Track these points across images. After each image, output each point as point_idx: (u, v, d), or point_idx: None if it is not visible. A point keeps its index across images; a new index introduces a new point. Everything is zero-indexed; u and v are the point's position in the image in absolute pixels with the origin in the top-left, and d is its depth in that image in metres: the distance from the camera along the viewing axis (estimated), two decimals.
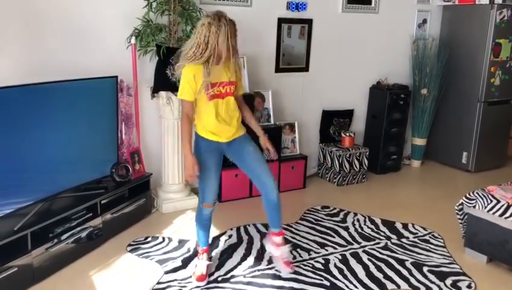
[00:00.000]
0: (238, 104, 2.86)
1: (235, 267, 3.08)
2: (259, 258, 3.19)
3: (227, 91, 2.74)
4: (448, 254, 3.36)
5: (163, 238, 3.44)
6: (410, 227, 3.78)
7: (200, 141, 2.78)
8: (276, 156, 3.00)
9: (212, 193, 2.84)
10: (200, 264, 2.94)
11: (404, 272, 3.08)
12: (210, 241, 3.13)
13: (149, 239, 3.42)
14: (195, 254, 3.14)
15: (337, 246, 3.40)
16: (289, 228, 3.68)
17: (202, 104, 2.71)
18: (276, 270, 3.04)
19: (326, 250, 3.34)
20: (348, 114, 5.08)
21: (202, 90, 2.65)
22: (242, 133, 2.86)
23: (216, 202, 2.92)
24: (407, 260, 3.24)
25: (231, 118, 2.78)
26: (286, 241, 3.10)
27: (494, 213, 3.12)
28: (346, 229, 3.71)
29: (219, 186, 2.90)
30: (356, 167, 4.80)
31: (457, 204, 3.37)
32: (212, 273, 2.98)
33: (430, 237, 3.62)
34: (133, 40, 3.65)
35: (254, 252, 3.27)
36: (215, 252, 3.25)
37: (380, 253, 3.33)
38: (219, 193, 4.16)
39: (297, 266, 3.10)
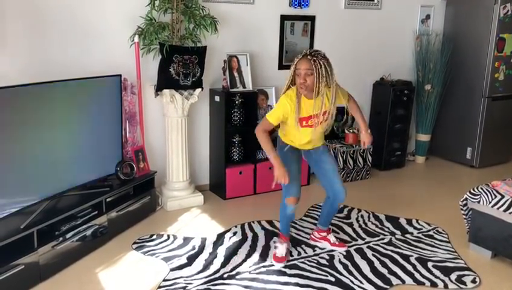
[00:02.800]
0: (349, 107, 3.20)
1: (241, 263, 3.09)
2: (264, 255, 3.20)
3: (321, 121, 2.92)
4: (452, 249, 3.36)
5: (168, 236, 3.46)
6: (414, 223, 3.79)
7: (284, 142, 3.07)
8: (366, 146, 3.25)
9: (296, 187, 2.99)
10: (280, 247, 3.12)
11: (409, 267, 3.09)
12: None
13: (154, 237, 3.44)
14: (277, 236, 3.32)
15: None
16: (294, 224, 3.69)
17: (292, 126, 2.93)
18: (281, 266, 3.05)
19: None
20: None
21: (296, 121, 2.88)
22: (322, 144, 3.13)
23: (299, 197, 3.02)
24: (412, 256, 3.24)
25: (318, 138, 3.06)
26: (330, 230, 3.37)
27: (498, 208, 3.11)
28: (351, 225, 3.72)
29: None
30: (360, 163, 4.80)
31: (461, 199, 3.37)
32: (218, 270, 3.00)
33: (434, 233, 3.62)
34: (136, 39, 3.66)
35: (259, 249, 3.28)
36: (220, 249, 3.26)
37: (385, 249, 3.34)
38: (223, 190, 4.18)
39: (302, 262, 3.12)
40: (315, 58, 2.74)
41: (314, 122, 2.90)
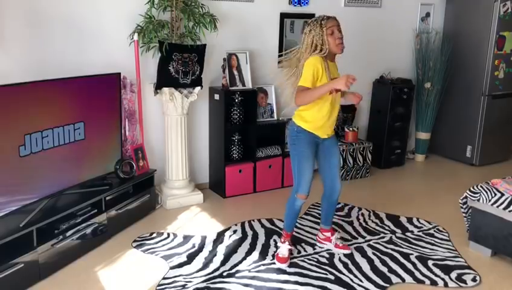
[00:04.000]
0: None
1: (240, 262, 3.08)
2: (264, 253, 3.20)
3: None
4: (453, 248, 3.35)
5: (168, 234, 3.45)
6: (414, 221, 3.78)
7: (302, 132, 2.95)
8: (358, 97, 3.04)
9: (307, 184, 2.97)
10: (282, 248, 3.10)
11: (409, 265, 3.09)
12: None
13: (154, 235, 3.43)
14: (280, 237, 3.27)
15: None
16: None
17: (327, 99, 2.87)
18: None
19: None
20: (351, 109, 5.07)
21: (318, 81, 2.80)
22: (333, 133, 3.07)
23: (309, 194, 3.02)
24: (412, 254, 3.24)
25: (334, 116, 2.96)
26: (334, 230, 3.36)
27: (498, 206, 3.11)
28: (351, 223, 3.71)
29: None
30: (360, 161, 4.80)
31: (461, 198, 3.36)
32: (218, 269, 2.99)
33: (434, 231, 3.62)
34: (135, 37, 3.65)
35: (259, 247, 3.28)
36: (220, 247, 3.26)
37: (385, 247, 3.33)
38: (223, 189, 4.18)
39: (302, 261, 3.11)
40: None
41: None
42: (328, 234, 3.28)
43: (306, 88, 2.77)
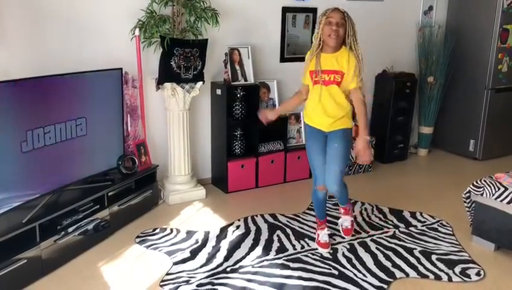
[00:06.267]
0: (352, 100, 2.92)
1: (244, 257, 3.08)
2: (267, 248, 3.19)
3: (332, 79, 2.84)
4: (456, 242, 3.34)
5: (171, 230, 3.45)
6: (418, 216, 3.77)
7: (308, 127, 3.06)
8: (368, 162, 3.14)
9: (321, 175, 3.03)
10: (321, 234, 3.24)
11: (413, 260, 3.08)
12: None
13: (157, 231, 3.43)
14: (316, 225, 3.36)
15: (345, 236, 3.40)
16: (297, 218, 3.68)
17: (310, 89, 2.96)
18: (284, 260, 3.05)
19: (334, 239, 3.34)
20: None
21: (308, 75, 2.92)
22: (341, 127, 2.93)
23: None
24: (416, 249, 3.23)
25: (331, 108, 2.90)
26: (347, 211, 3.35)
27: (501, 201, 3.09)
28: (354, 218, 3.70)
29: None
30: None
31: (464, 192, 3.35)
32: (221, 264, 2.99)
33: (438, 226, 3.61)
34: (137, 32, 3.63)
35: (262, 242, 3.27)
36: (223, 243, 3.26)
37: (388, 242, 3.32)
38: (225, 184, 4.17)
39: (305, 256, 3.11)
40: (347, 13, 2.84)
41: (325, 78, 2.85)
42: (342, 211, 3.36)
43: (303, 84, 3.06)
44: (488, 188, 3.17)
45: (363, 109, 2.88)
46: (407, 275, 2.92)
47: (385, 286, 2.79)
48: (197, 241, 3.28)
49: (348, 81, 2.84)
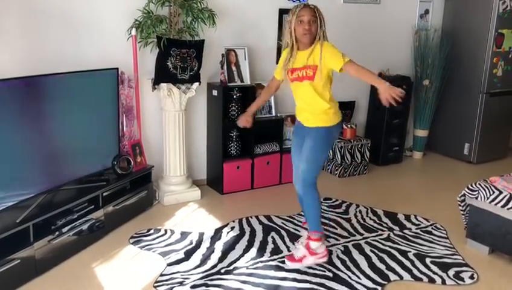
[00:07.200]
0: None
1: (238, 259, 3.08)
2: (261, 250, 3.19)
3: (304, 75, 2.83)
4: (450, 245, 3.36)
5: (166, 231, 3.44)
6: (412, 218, 3.78)
7: (295, 123, 3.10)
8: (399, 98, 2.60)
9: (295, 172, 3.05)
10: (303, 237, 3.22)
11: (407, 263, 3.08)
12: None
13: (151, 231, 3.42)
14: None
15: (339, 238, 3.40)
16: (292, 219, 3.68)
17: (291, 85, 2.96)
18: (279, 261, 3.05)
19: (329, 241, 3.34)
20: (350, 106, 5.06)
21: (285, 73, 2.92)
22: (316, 125, 2.89)
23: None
24: (410, 251, 3.23)
25: (308, 104, 2.91)
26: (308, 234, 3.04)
27: (496, 204, 3.11)
28: (349, 220, 3.71)
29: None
30: (358, 158, 4.79)
31: (459, 195, 3.36)
32: (215, 265, 2.98)
33: (432, 229, 3.62)
34: (133, 32, 3.62)
35: (256, 244, 3.27)
36: (218, 244, 3.25)
37: (383, 244, 3.33)
38: (221, 185, 4.16)
39: None
40: (316, 7, 2.82)
41: (299, 74, 2.83)
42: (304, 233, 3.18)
43: (273, 76, 3.09)
44: (483, 191, 3.18)
45: (365, 71, 2.72)
46: (401, 277, 2.92)
47: (379, 288, 2.79)
48: (191, 243, 3.27)
49: (331, 66, 2.75)
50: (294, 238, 3.36)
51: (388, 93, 2.58)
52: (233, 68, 4.12)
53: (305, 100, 2.92)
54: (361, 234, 3.48)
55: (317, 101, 2.85)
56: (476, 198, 3.22)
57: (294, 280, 2.85)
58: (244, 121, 3.18)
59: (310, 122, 2.93)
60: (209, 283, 2.79)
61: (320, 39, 2.79)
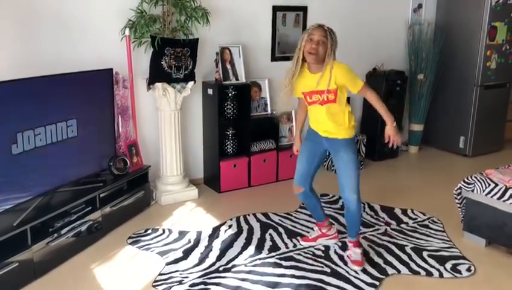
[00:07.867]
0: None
1: (236, 256, 3.08)
2: (259, 247, 3.20)
3: (325, 99, 2.81)
4: (447, 238, 3.37)
5: (164, 230, 3.44)
6: (409, 212, 3.80)
7: (308, 128, 3.06)
8: (396, 145, 2.96)
9: (297, 176, 3.06)
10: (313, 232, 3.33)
11: (404, 257, 3.10)
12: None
13: (149, 231, 3.42)
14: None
15: (337, 233, 3.41)
16: (289, 216, 3.69)
17: (308, 108, 2.96)
18: (277, 258, 3.06)
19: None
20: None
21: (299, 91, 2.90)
22: (343, 137, 2.89)
23: (305, 189, 3.07)
24: (407, 245, 3.25)
25: (333, 121, 2.88)
26: (360, 245, 3.08)
27: (492, 196, 3.13)
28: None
29: (308, 176, 3.07)
30: None
31: (455, 188, 3.38)
32: (214, 264, 2.99)
33: (429, 222, 3.63)
34: (127, 32, 3.62)
35: (254, 242, 3.28)
36: (216, 242, 3.26)
37: (380, 239, 3.35)
38: (218, 184, 4.17)
39: (297, 254, 3.12)
40: (330, 29, 2.80)
41: (319, 98, 2.81)
42: (350, 245, 3.07)
43: (298, 99, 3.05)
44: (479, 184, 3.20)
45: (379, 102, 2.90)
46: (398, 271, 2.94)
47: (377, 283, 2.81)
48: (189, 241, 3.28)
49: (349, 88, 2.82)
50: (292, 235, 3.37)
51: (392, 134, 2.85)
52: (228, 66, 4.12)
53: (328, 119, 2.87)
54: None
55: (339, 117, 2.89)
56: (472, 191, 3.24)
57: (293, 276, 2.86)
58: (299, 145, 3.16)
59: (336, 135, 2.91)
60: (207, 281, 2.80)
61: (329, 62, 2.75)
